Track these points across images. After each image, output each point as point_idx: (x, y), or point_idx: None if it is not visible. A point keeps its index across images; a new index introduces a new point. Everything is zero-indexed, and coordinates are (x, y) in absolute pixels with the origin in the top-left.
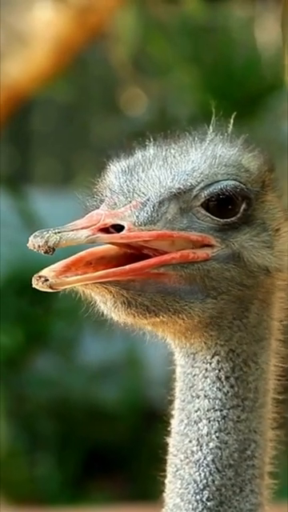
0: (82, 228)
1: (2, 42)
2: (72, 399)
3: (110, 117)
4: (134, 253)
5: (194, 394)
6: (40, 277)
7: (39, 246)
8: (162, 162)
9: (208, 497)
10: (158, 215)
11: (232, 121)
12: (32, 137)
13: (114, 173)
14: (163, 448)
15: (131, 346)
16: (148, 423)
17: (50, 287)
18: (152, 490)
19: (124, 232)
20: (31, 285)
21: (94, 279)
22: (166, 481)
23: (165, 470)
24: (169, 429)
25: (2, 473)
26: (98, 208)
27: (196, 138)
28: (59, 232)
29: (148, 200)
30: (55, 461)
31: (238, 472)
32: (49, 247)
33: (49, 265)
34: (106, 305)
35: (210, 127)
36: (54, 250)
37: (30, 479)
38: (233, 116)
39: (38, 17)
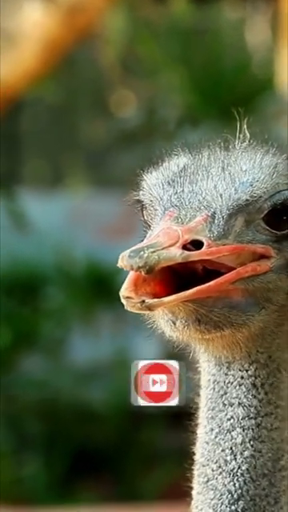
0: (170, 245)
1: None
2: (60, 400)
3: (99, 118)
4: (175, 270)
5: (226, 402)
6: (128, 297)
7: (139, 267)
8: (219, 172)
9: (243, 507)
10: (228, 229)
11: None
12: (21, 137)
13: (162, 183)
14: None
15: (119, 346)
16: (135, 424)
17: (149, 309)
18: (138, 490)
19: (205, 248)
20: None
21: (187, 297)
22: (194, 492)
23: (189, 480)
24: (194, 437)
25: None
26: (146, 222)
27: (233, 146)
28: (154, 251)
29: (215, 213)
30: (42, 461)
31: (272, 482)
32: (150, 267)
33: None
34: (174, 323)
35: (237, 134)
36: (154, 270)
37: (17, 480)
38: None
39: (27, 17)
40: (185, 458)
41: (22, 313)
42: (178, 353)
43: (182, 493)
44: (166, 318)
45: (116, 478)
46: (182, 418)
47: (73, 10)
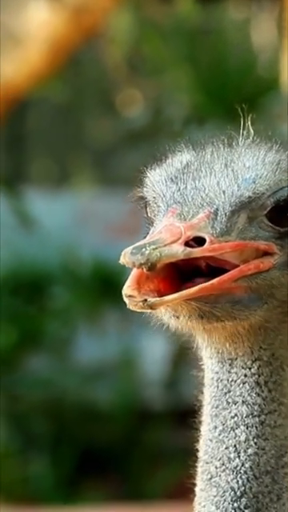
0: (172, 242)
1: None
2: (66, 399)
3: (105, 117)
4: (178, 267)
5: (230, 400)
6: (131, 296)
7: (141, 264)
8: (222, 169)
9: (246, 504)
10: (231, 225)
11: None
12: (27, 137)
13: (165, 180)
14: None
15: (125, 346)
16: (142, 423)
17: (151, 307)
18: (144, 489)
19: (207, 245)
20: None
21: (190, 296)
22: (197, 489)
23: (193, 477)
24: (198, 435)
25: None
26: (149, 218)
27: (236, 143)
28: (156, 248)
29: (218, 209)
30: (49, 460)
31: (275, 479)
32: (152, 264)
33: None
34: (178, 319)
35: (241, 131)
36: (155, 266)
37: (24, 479)
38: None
39: (32, 16)
40: (191, 457)
41: (28, 312)
42: (183, 351)
43: (188, 492)
44: (169, 315)
45: (122, 478)
46: (188, 417)
47: (79, 9)
